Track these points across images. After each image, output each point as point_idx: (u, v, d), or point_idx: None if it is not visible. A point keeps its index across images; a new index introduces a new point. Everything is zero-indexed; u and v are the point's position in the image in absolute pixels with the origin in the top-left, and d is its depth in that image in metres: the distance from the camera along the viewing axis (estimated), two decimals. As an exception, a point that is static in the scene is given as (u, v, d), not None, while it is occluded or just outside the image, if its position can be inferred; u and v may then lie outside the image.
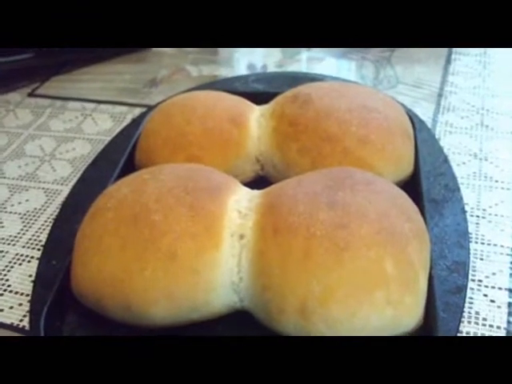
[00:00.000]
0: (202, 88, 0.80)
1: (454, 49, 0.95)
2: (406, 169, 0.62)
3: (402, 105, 0.70)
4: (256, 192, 0.55)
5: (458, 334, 0.50)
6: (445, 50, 0.95)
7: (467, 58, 0.93)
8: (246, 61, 0.99)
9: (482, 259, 0.58)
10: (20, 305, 0.59)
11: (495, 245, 0.60)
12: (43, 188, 0.74)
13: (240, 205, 0.52)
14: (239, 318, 0.51)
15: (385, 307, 0.45)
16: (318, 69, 0.94)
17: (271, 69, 0.95)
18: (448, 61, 0.92)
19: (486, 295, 0.55)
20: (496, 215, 0.63)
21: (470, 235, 0.60)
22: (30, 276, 0.61)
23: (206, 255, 0.49)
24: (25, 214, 0.70)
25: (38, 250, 0.64)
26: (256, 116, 0.66)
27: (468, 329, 0.52)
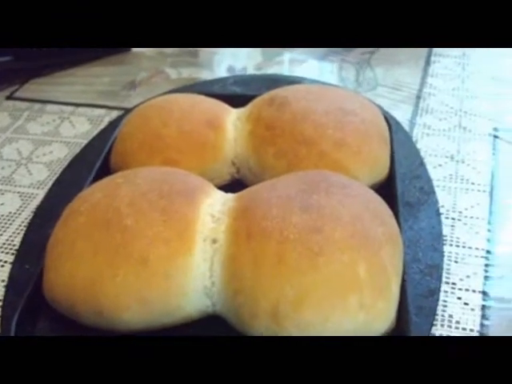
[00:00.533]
0: (181, 91, 0.80)
1: (434, 50, 0.95)
2: (382, 172, 0.62)
3: (380, 107, 0.70)
4: (230, 195, 0.55)
5: (432, 338, 0.50)
6: (424, 51, 0.95)
7: (447, 60, 0.93)
8: (226, 63, 0.98)
9: (456, 262, 0.58)
10: (-8, 310, 0.59)
11: (470, 247, 0.60)
12: (19, 192, 0.73)
13: (213, 208, 0.52)
14: (211, 322, 0.51)
15: (357, 312, 0.45)
16: (298, 71, 0.94)
17: (251, 71, 0.95)
18: (427, 62, 0.93)
19: (459, 298, 0.55)
20: (471, 217, 0.63)
21: (445, 238, 0.60)
22: (3, 281, 0.60)
23: (178, 260, 0.49)
24: (-1, 218, 0.70)
25: (12, 254, 0.64)
26: (233, 119, 0.66)
27: (441, 332, 0.52)
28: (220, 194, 0.55)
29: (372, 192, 0.54)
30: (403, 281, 0.49)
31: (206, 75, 0.95)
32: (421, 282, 0.51)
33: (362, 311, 0.45)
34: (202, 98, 0.70)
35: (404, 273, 0.50)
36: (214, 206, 0.53)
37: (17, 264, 0.58)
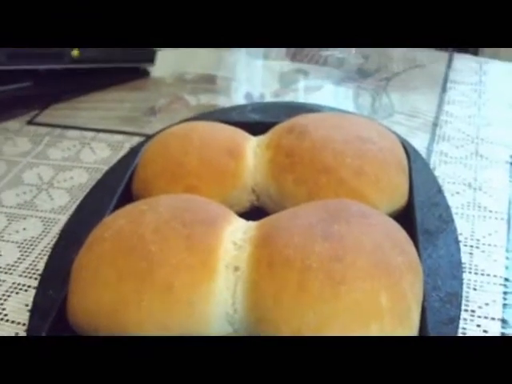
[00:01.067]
0: (200, 118, 0.81)
1: (450, 77, 0.96)
2: (400, 200, 0.62)
3: (397, 135, 0.71)
4: (251, 223, 0.55)
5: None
6: (440, 78, 0.96)
7: (462, 87, 0.94)
8: (244, 90, 1.00)
9: (475, 289, 0.59)
10: (16, 334, 0.59)
11: (488, 275, 0.60)
12: (40, 217, 0.74)
13: (235, 236, 0.53)
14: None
15: (378, 340, 0.46)
16: (314, 97, 0.96)
17: (268, 98, 0.96)
18: (443, 89, 0.94)
19: (479, 325, 0.55)
20: (489, 245, 0.63)
21: (464, 265, 0.60)
22: (27, 305, 0.61)
23: (201, 287, 0.49)
24: (22, 243, 0.70)
25: (35, 279, 0.65)
26: (252, 146, 0.67)
27: (461, 360, 0.52)
28: (242, 221, 0.56)
29: (392, 220, 0.55)
30: (423, 308, 0.50)
31: (223, 102, 0.96)
32: (440, 310, 0.52)
33: (384, 339, 0.46)
34: (222, 125, 0.71)
35: (424, 300, 0.50)
36: (236, 233, 0.53)
37: (41, 289, 0.59)
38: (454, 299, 0.53)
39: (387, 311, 0.46)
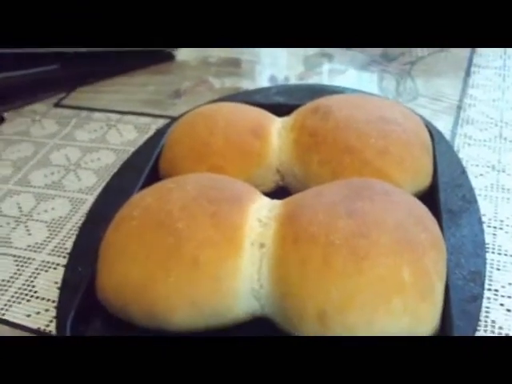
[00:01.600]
0: (225, 100, 0.82)
1: (474, 61, 0.96)
2: (424, 180, 0.63)
3: (421, 117, 0.71)
4: (276, 202, 0.56)
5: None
6: (464, 62, 0.96)
7: (486, 71, 0.93)
8: (268, 73, 1.00)
9: (498, 269, 0.59)
10: (46, 310, 0.61)
11: (512, 255, 0.60)
12: (68, 197, 0.76)
13: (261, 214, 0.54)
14: (260, 325, 0.52)
15: (401, 315, 0.46)
16: (339, 81, 0.96)
17: (293, 81, 0.97)
18: (467, 73, 0.93)
19: (502, 304, 0.56)
20: (513, 226, 0.64)
21: (487, 245, 0.61)
22: (56, 283, 0.63)
23: (227, 263, 0.50)
24: (51, 222, 0.72)
25: (64, 257, 0.66)
26: (277, 127, 0.68)
27: (484, 337, 0.53)
28: (267, 200, 0.57)
29: (415, 199, 0.55)
30: (447, 286, 0.50)
31: (248, 85, 0.97)
32: (464, 288, 0.52)
33: (406, 314, 0.46)
34: (246, 107, 0.72)
35: (447, 278, 0.51)
36: (261, 211, 0.54)
37: (70, 266, 0.60)
38: (478, 277, 0.53)
39: (410, 286, 0.46)
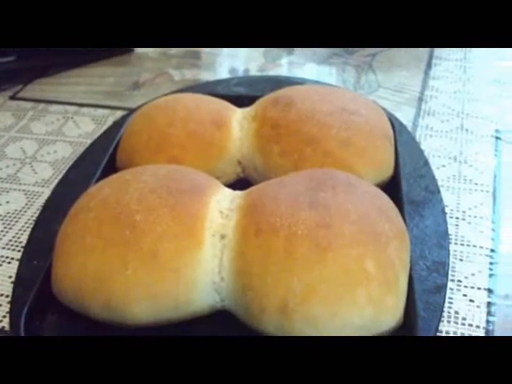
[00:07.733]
0: (184, 91, 0.81)
1: (435, 53, 0.96)
2: (387, 171, 0.62)
3: (383, 109, 0.70)
4: (238, 193, 0.55)
5: (438, 334, 0.51)
6: (425, 54, 0.96)
7: (447, 63, 0.94)
8: (228, 65, 0.99)
9: (461, 260, 0.59)
10: (0, 306, 0.59)
11: (474, 246, 0.60)
12: (24, 190, 0.74)
13: (221, 205, 0.53)
14: (220, 317, 0.51)
15: (365, 306, 0.46)
16: (299, 73, 0.95)
17: (253, 73, 0.96)
18: (429, 65, 0.93)
19: (465, 295, 0.56)
20: (475, 217, 0.64)
21: (450, 236, 0.60)
22: (10, 277, 0.61)
23: (186, 255, 0.49)
24: (5, 216, 0.70)
25: (18, 251, 0.64)
26: (238, 118, 0.67)
27: (448, 328, 0.53)
28: (228, 191, 0.56)
29: (378, 189, 0.54)
30: (410, 277, 0.50)
31: (208, 76, 0.95)
32: (428, 279, 0.52)
33: (370, 305, 0.46)
34: (207, 97, 0.70)
35: (411, 269, 0.50)
36: (223, 202, 0.53)
37: (24, 260, 0.58)
38: (441, 268, 0.53)
39: (374, 277, 0.46)
